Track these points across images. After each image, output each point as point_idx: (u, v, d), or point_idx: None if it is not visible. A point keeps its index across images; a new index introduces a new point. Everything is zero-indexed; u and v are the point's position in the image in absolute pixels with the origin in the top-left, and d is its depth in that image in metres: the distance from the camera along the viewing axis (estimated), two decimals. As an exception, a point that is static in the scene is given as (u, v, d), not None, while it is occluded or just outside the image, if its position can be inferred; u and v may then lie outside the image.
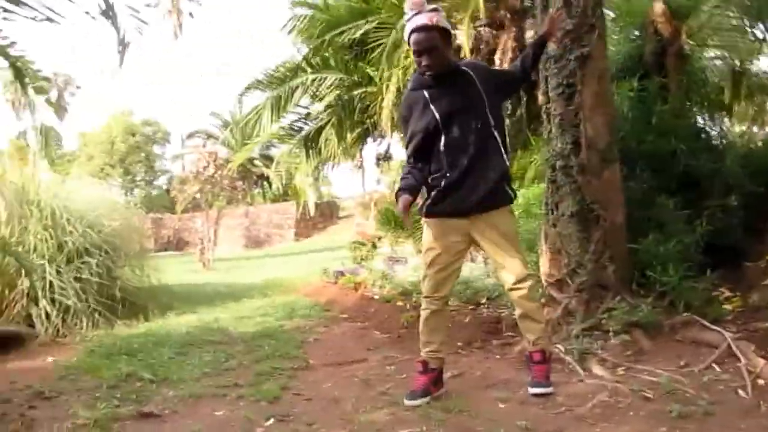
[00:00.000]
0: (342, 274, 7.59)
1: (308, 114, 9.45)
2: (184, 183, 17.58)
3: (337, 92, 8.02)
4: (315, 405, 3.15)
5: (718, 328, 3.34)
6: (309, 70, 8.31)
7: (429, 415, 2.84)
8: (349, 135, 8.43)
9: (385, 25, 7.82)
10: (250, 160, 29.97)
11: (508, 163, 3.02)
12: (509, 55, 7.26)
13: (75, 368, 4.20)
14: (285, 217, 30.57)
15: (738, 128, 7.09)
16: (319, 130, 8.52)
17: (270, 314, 5.91)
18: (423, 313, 3.09)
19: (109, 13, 3.34)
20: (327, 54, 8.53)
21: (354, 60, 8.31)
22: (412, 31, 2.86)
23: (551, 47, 3.70)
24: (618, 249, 3.80)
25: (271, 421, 2.94)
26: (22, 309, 5.46)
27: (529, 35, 7.45)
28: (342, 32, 8.25)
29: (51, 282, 5.51)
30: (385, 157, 9.03)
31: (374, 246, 7.18)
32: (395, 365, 3.78)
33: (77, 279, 5.69)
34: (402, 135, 3.37)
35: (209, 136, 30.17)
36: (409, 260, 7.64)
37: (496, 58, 7.45)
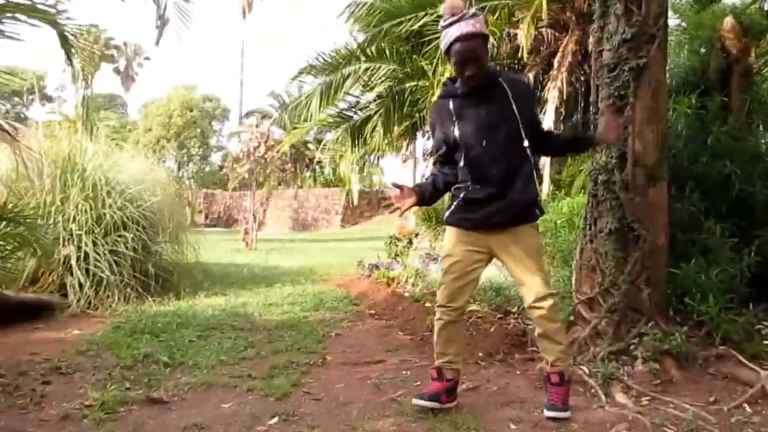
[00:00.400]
0: (377, 267, 7.50)
1: (357, 103, 9.37)
2: (236, 161, 17.80)
3: (389, 83, 7.90)
4: (322, 406, 3.09)
5: (755, 366, 3.11)
6: (363, 58, 8.21)
7: (435, 428, 2.74)
8: (396, 128, 8.33)
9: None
10: (304, 144, 30.28)
11: (537, 187, 2.93)
12: (569, 59, 7.00)
13: (97, 344, 4.26)
14: (333, 203, 30.81)
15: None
16: (366, 120, 8.43)
17: (298, 303, 5.89)
18: (437, 324, 2.98)
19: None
20: (383, 44, 8.41)
21: (409, 52, 8.17)
22: (456, 40, 2.72)
23: (606, 56, 3.51)
24: (657, 272, 3.58)
25: (275, 419, 2.90)
26: (57, 278, 5.60)
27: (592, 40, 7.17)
28: (400, 23, 8.12)
29: (87, 253, 5.63)
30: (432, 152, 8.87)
31: (410, 242, 7.06)
32: (411, 370, 3.68)
33: (113, 252, 5.79)
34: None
35: (265, 115, 30.59)
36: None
37: (555, 60, 7.19)
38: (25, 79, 44.02)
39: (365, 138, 8.54)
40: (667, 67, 4.36)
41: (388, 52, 8.25)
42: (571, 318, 3.82)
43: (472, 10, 2.78)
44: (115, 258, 5.80)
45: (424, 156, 9.35)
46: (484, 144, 2.77)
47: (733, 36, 3.91)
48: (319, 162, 30.42)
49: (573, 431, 2.73)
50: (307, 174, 32.17)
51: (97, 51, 48.92)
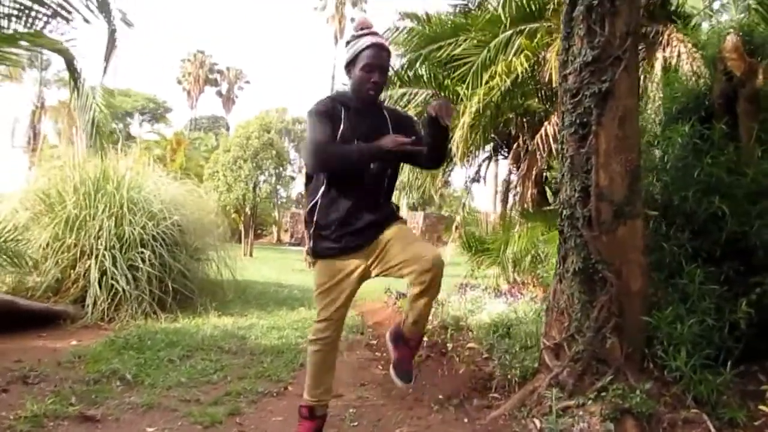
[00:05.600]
0: (403, 296, 7.32)
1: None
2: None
3: (420, 108, 7.75)
4: (239, 440, 2.99)
5: (721, 438, 2.70)
6: (398, 83, 8.13)
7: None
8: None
9: (481, 42, 7.47)
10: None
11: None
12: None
13: (79, 356, 4.40)
14: (411, 227, 30.90)
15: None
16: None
17: (301, 328, 5.83)
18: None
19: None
20: (421, 70, 8.31)
21: (445, 77, 8.01)
22: (370, 46, 2.70)
23: (570, 80, 3.23)
24: (630, 319, 3.22)
25: (184, 449, 2.82)
26: (78, 290, 5.86)
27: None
28: (440, 47, 7.98)
29: (106, 268, 5.86)
30: (474, 179, 8.63)
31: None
32: (360, 408, 3.52)
33: (131, 267, 6.00)
34: None
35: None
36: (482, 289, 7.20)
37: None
38: (137, 100, 47.57)
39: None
40: (676, 93, 4.01)
41: (425, 78, 8.12)
42: (536, 365, 3.51)
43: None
44: (133, 273, 5.99)
45: (466, 183, 9.04)
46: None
47: (736, 56, 3.50)
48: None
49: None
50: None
51: (202, 75, 52.39)
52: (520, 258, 6.91)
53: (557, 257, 3.53)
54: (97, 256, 5.87)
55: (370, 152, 2.63)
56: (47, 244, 5.88)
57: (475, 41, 7.61)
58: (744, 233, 3.26)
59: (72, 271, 5.90)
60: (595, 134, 3.14)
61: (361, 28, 2.76)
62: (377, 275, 2.83)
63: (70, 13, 3.39)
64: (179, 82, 52.42)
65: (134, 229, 6.09)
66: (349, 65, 2.74)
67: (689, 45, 5.56)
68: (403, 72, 8.27)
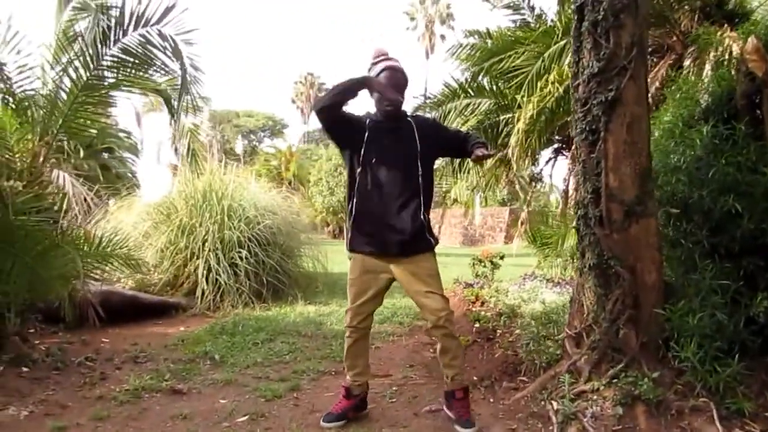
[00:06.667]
0: (470, 285, 7.32)
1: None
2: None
3: (479, 117, 7.70)
4: (293, 411, 3.23)
5: (721, 427, 2.55)
6: (462, 95, 8.12)
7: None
8: (490, 160, 8.07)
9: (536, 53, 7.33)
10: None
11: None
12: (656, 84, 6.23)
13: (183, 339, 4.82)
14: (498, 221, 30.48)
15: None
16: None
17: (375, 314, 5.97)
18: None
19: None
20: (484, 81, 8.27)
21: (506, 86, 7.92)
22: (387, 69, 2.83)
23: (580, 90, 3.16)
24: (646, 312, 3.10)
25: (245, 417, 3.09)
26: (190, 285, 6.37)
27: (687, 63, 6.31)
28: (501, 59, 7.91)
29: (211, 266, 6.33)
30: (537, 179, 8.43)
31: (493, 264, 6.77)
32: (403, 386, 3.63)
33: (232, 265, 6.44)
34: None
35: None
36: (540, 280, 7.08)
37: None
38: (259, 119, 50.04)
39: (466, 170, 8.38)
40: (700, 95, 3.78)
41: (487, 88, 8.05)
42: (558, 352, 3.46)
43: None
44: (234, 270, 6.43)
45: (530, 181, 8.83)
46: (385, 173, 2.77)
47: (757, 58, 3.24)
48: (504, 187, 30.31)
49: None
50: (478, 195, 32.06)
51: (312, 94, 54.27)
52: (575, 251, 6.70)
53: (578, 254, 3.45)
54: (204, 256, 6.36)
55: (351, 80, 2.71)
56: (165, 248, 6.45)
57: (532, 52, 7.48)
58: (762, 230, 3.04)
59: (184, 269, 6.44)
60: (603, 140, 3.05)
61: (378, 56, 2.87)
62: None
63: (152, 59, 3.74)
64: (293, 101, 54.61)
65: (233, 232, 6.53)
66: (370, 89, 2.84)
67: (741, 43, 5.17)
68: (467, 84, 8.25)
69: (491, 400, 3.33)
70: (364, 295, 2.91)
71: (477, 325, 5.14)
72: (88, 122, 4.25)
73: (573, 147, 8.53)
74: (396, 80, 2.81)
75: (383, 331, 5.31)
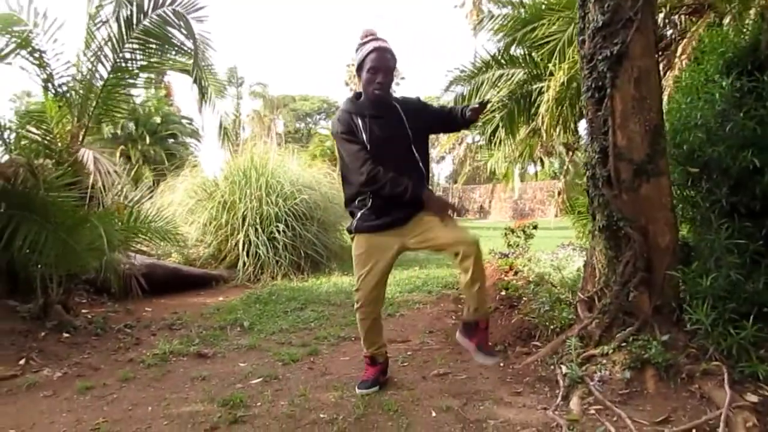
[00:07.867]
0: (505, 256, 7.17)
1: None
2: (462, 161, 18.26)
3: (512, 87, 7.40)
4: (306, 374, 3.26)
5: (730, 390, 2.38)
6: (495, 66, 7.84)
7: (370, 403, 2.69)
8: (522, 130, 7.77)
9: (568, 19, 6.96)
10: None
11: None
12: (692, 44, 5.77)
13: (219, 309, 4.96)
14: (548, 195, 29.84)
15: None
16: (495, 127, 8.01)
17: (403, 284, 5.99)
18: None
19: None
20: (516, 52, 7.95)
21: (538, 55, 7.58)
22: (374, 50, 2.70)
23: (586, 46, 2.96)
24: (658, 274, 2.92)
25: (259, 380, 3.14)
26: (232, 258, 6.55)
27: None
28: (534, 29, 7.56)
29: (251, 240, 6.48)
30: (572, 148, 8.04)
31: (525, 234, 6.58)
32: (418, 352, 3.60)
33: (271, 239, 6.57)
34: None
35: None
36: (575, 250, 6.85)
37: (680, 47, 6.01)
38: (314, 103, 50.52)
39: (496, 142, 8.10)
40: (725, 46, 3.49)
41: (520, 58, 7.72)
42: (571, 316, 3.32)
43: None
44: (273, 243, 6.56)
45: (567, 150, 8.45)
46: (388, 156, 2.66)
47: (784, 2, 2.95)
48: (540, 158, 29.49)
49: (483, 430, 2.45)
50: (531, 169, 31.33)
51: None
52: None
53: (590, 216, 3.28)
54: (244, 231, 6.51)
55: (414, 191, 2.63)
56: (208, 223, 6.64)
57: (565, 18, 7.10)
58: (786, 185, 2.78)
59: (226, 243, 6.61)
60: (610, 96, 2.86)
61: (366, 36, 2.75)
62: (414, 249, 2.85)
63: (170, 39, 3.80)
64: (346, 84, 54.66)
65: (271, 207, 6.64)
66: (358, 70, 2.75)
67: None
68: (499, 55, 7.95)
69: (501, 364, 3.25)
70: (370, 273, 2.83)
71: (503, 293, 5.02)
72: (121, 104, 4.39)
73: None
74: (384, 61, 2.69)
75: (410, 300, 5.29)
